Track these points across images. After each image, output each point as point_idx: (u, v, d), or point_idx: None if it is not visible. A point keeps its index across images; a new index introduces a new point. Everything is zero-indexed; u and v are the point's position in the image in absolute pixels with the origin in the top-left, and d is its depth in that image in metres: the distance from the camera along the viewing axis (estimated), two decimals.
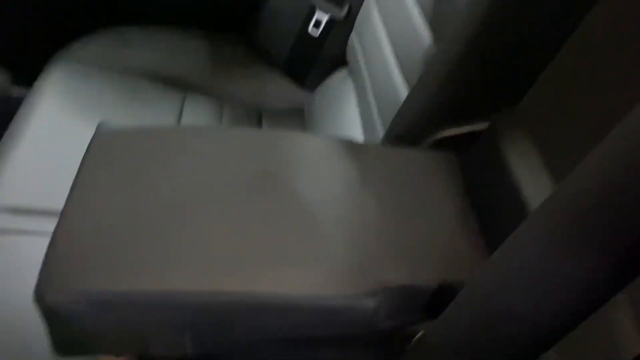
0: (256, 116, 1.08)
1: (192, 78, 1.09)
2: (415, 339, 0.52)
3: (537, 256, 0.39)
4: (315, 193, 0.55)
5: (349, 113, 0.96)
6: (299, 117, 1.09)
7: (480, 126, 0.64)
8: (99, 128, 0.59)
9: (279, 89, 1.14)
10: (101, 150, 0.57)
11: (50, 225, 0.75)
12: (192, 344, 0.51)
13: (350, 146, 0.62)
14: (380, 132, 0.79)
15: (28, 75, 1.24)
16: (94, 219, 0.50)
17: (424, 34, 0.70)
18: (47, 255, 0.47)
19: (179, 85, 1.07)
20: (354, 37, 0.98)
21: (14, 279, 0.69)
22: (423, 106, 0.66)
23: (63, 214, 0.50)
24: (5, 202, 0.78)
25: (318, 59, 1.08)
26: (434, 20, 0.69)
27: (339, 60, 1.07)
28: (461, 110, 0.65)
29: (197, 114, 1.02)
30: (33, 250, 0.72)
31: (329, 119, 0.99)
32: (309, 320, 0.49)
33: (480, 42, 0.59)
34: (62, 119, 0.92)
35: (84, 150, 0.85)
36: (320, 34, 1.02)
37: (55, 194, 0.80)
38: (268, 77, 1.15)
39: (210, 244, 0.49)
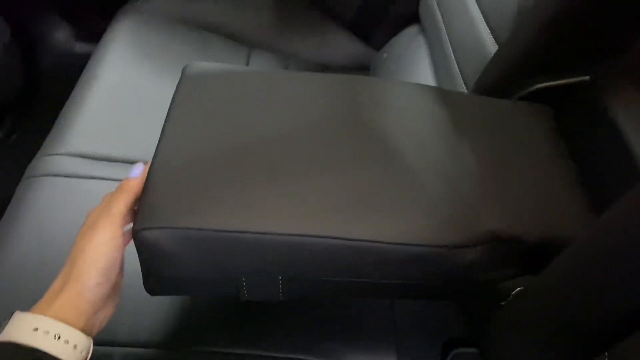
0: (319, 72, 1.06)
1: (258, 34, 1.07)
2: (513, 293, 0.50)
3: None
4: (409, 140, 0.53)
5: (420, 70, 0.93)
6: (364, 75, 1.07)
7: (577, 78, 0.61)
8: (186, 68, 0.58)
9: (344, 46, 1.11)
10: (190, 89, 0.56)
11: (121, 172, 0.77)
12: (283, 288, 0.50)
13: (442, 93, 0.59)
14: (460, 88, 0.76)
15: (90, 31, 1.25)
16: (188, 156, 0.49)
17: None
18: (144, 192, 0.47)
19: (245, 40, 1.06)
20: None
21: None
22: (516, 59, 0.63)
23: (157, 152, 0.50)
24: (79, 149, 0.79)
25: (387, 16, 1.04)
26: None
27: (409, 18, 1.03)
28: (557, 62, 0.62)
29: (263, 68, 1.00)
30: (103, 194, 0.74)
31: (398, 76, 0.97)
32: (404, 269, 0.48)
33: None
34: (131, 70, 0.92)
35: (153, 101, 0.86)
36: None
37: (125, 142, 0.82)
38: (334, 34, 1.12)
39: (306, 187, 0.48)
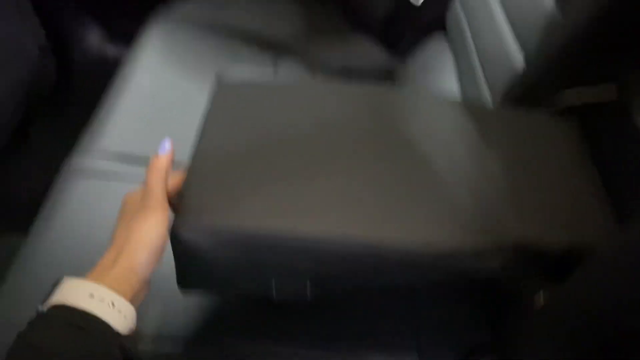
0: (347, 80, 1.07)
1: (285, 40, 1.10)
2: (536, 300, 0.51)
3: None
4: (435, 149, 0.55)
5: (445, 79, 0.94)
6: (389, 82, 1.08)
7: (604, 91, 0.62)
8: (219, 77, 0.60)
9: (370, 55, 1.13)
10: (223, 98, 0.58)
11: None
12: (311, 288, 0.52)
13: (468, 106, 0.61)
14: (487, 97, 0.77)
15: (121, 33, 1.29)
16: (224, 160, 0.52)
17: (546, 0, 0.68)
18: (182, 193, 0.49)
19: (272, 46, 1.08)
20: (456, 3, 0.96)
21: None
22: (545, 71, 0.64)
23: (195, 156, 0.52)
24: (112, 149, 0.82)
25: (414, 25, 1.06)
26: None
27: (435, 28, 1.05)
28: (586, 75, 0.63)
29: (290, 75, 1.02)
30: None
31: (423, 85, 0.98)
32: (432, 273, 0.49)
33: (610, 9, 0.57)
34: (162, 74, 0.94)
35: (184, 103, 0.88)
36: None
37: (155, 142, 0.83)
38: (359, 42, 1.13)
39: (336, 192, 0.50)
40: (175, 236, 0.47)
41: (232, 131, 0.54)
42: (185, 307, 0.65)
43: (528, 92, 0.66)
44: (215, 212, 0.47)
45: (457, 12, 0.94)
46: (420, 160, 0.54)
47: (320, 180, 0.50)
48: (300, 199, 0.49)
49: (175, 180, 0.51)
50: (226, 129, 0.55)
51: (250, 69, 1.01)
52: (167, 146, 0.50)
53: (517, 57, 0.72)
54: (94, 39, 1.30)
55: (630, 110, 0.57)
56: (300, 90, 0.62)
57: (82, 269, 0.66)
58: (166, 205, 0.47)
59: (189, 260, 0.49)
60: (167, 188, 0.49)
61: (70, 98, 1.27)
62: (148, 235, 0.45)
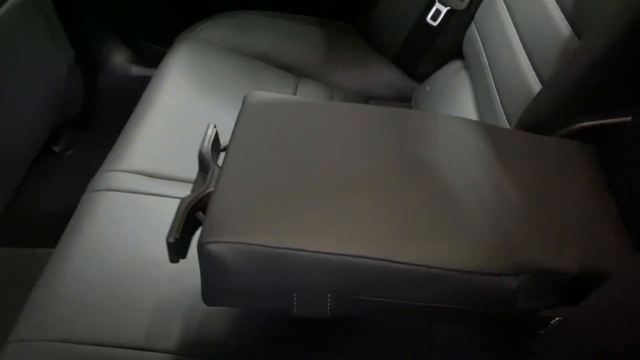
0: (364, 103, 1.10)
1: (306, 64, 1.13)
2: (552, 323, 0.52)
3: None
4: (454, 170, 0.56)
5: (463, 104, 0.96)
6: (406, 107, 1.10)
7: (619, 118, 0.63)
8: (247, 97, 0.63)
9: (388, 78, 1.15)
10: (252, 116, 0.61)
11: (177, 190, 0.81)
12: (331, 306, 0.53)
13: (486, 127, 0.63)
14: (503, 122, 0.79)
15: (147, 56, 1.33)
16: (250, 177, 0.54)
17: (562, 27, 0.70)
18: (210, 207, 0.51)
19: (293, 69, 1.11)
20: (473, 29, 0.98)
21: (143, 233, 0.75)
22: (561, 98, 0.66)
23: (223, 172, 0.54)
24: (139, 167, 0.84)
25: (431, 50, 1.08)
26: (574, 14, 0.69)
27: (452, 52, 1.07)
28: (601, 102, 0.64)
29: (310, 98, 1.05)
30: (159, 209, 0.78)
31: (441, 110, 1.00)
32: (449, 293, 0.50)
33: (631, 36, 0.59)
34: (187, 95, 0.97)
35: (207, 124, 0.91)
36: (438, 24, 1.03)
37: (180, 161, 0.87)
38: (378, 66, 1.16)
39: (359, 211, 0.51)
40: (202, 250, 0.49)
41: (259, 149, 0.57)
42: (207, 326, 0.66)
43: (544, 118, 0.67)
44: (242, 228, 0.49)
45: (474, 37, 0.96)
46: (440, 180, 0.55)
47: (344, 199, 0.52)
48: (325, 218, 0.51)
49: None
50: (253, 147, 0.57)
51: (272, 90, 1.04)
52: None
53: (533, 83, 0.73)
54: (121, 60, 1.34)
55: None
56: (326, 109, 0.64)
57: (106, 284, 0.69)
58: None
59: (215, 274, 0.51)
60: None
61: (97, 117, 1.31)
62: None
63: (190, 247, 0.55)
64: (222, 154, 0.59)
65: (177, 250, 0.53)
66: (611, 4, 0.60)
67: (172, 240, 0.52)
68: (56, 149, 1.25)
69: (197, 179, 0.60)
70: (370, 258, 0.48)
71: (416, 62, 1.11)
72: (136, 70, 1.36)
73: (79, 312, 0.66)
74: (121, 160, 0.85)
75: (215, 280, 0.52)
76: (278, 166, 0.55)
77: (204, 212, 0.54)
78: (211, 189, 0.55)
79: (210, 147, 0.60)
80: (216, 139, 0.62)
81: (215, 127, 0.63)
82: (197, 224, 0.55)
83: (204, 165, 0.60)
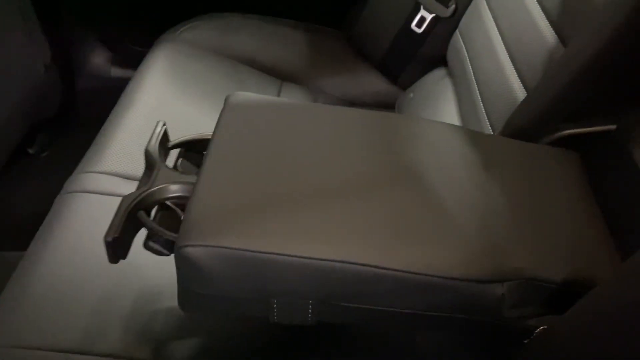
0: None
1: (289, 68, 1.12)
2: (537, 332, 0.51)
3: None
4: (441, 175, 0.55)
5: (446, 111, 0.96)
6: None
7: (603, 127, 0.63)
8: (229, 97, 0.61)
9: (371, 85, 1.15)
10: (233, 116, 0.59)
11: None
12: (313, 312, 0.52)
13: (472, 134, 0.62)
14: (487, 130, 0.79)
15: (126, 57, 1.31)
16: (230, 179, 0.52)
17: (548, 35, 0.70)
18: (188, 210, 0.49)
19: (276, 73, 1.10)
20: (457, 36, 0.98)
21: None
22: (546, 105, 0.65)
23: (202, 173, 0.52)
24: (116, 169, 0.82)
25: (416, 57, 1.08)
26: (560, 22, 0.69)
27: (436, 60, 1.07)
28: (585, 110, 0.64)
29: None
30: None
31: (424, 116, 0.99)
32: (433, 300, 0.49)
33: (616, 45, 0.59)
34: (167, 96, 0.95)
35: (188, 126, 0.89)
36: (423, 31, 1.03)
37: None
38: (362, 72, 1.16)
39: (342, 215, 0.50)
40: (179, 253, 0.47)
41: (240, 150, 0.55)
42: (182, 331, 0.64)
43: (528, 125, 0.67)
44: (221, 231, 0.47)
45: (458, 45, 0.96)
46: (427, 186, 0.54)
47: (327, 203, 0.51)
48: (307, 221, 0.49)
49: None
50: (234, 148, 0.55)
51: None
52: None
53: (517, 90, 0.73)
54: (100, 60, 1.32)
55: (628, 143, 0.58)
56: (310, 111, 0.62)
57: (82, 285, 0.67)
58: None
59: (192, 279, 0.49)
60: None
61: (74, 118, 1.28)
62: None
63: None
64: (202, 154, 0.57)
65: (115, 250, 0.51)
66: (596, 12, 0.60)
67: (109, 239, 0.50)
68: (31, 150, 1.22)
69: (142, 178, 0.58)
70: (353, 263, 0.47)
71: (400, 69, 1.11)
72: (115, 71, 1.34)
73: (49, 317, 0.64)
74: (98, 161, 0.83)
75: (192, 285, 0.50)
76: (260, 168, 0.53)
77: (146, 212, 0.53)
78: (154, 188, 0.54)
79: (157, 145, 0.58)
80: (165, 137, 0.60)
81: (164, 124, 0.61)
82: (139, 224, 0.53)
83: (149, 164, 0.58)
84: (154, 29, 1.16)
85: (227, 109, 0.60)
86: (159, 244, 0.52)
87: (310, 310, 0.51)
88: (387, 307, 0.51)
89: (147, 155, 0.58)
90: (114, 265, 0.68)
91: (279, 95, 1.06)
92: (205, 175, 0.52)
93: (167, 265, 0.51)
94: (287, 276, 0.48)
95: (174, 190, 0.55)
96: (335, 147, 0.57)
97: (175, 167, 0.59)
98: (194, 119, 0.91)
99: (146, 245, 0.53)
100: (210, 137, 0.58)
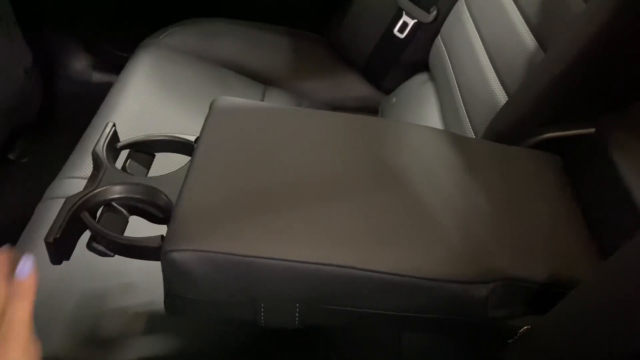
0: None
1: (273, 73, 1.12)
2: (520, 332, 0.52)
3: None
4: (424, 177, 0.56)
5: (429, 116, 0.97)
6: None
7: (583, 130, 0.65)
8: (214, 102, 0.61)
9: (355, 90, 1.16)
10: (219, 121, 0.59)
11: None
12: (300, 315, 0.52)
13: (454, 137, 0.63)
14: (469, 135, 0.80)
15: (108, 62, 1.30)
16: (216, 183, 0.52)
17: (527, 40, 0.71)
18: (174, 214, 0.49)
19: (260, 78, 1.10)
20: (439, 41, 0.99)
21: None
22: (526, 109, 0.67)
23: (188, 177, 0.52)
24: None
25: (398, 62, 1.09)
26: (539, 28, 0.70)
27: (419, 65, 1.08)
28: (565, 114, 0.66)
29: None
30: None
31: (407, 121, 1.00)
32: (418, 302, 0.50)
33: (594, 50, 0.60)
34: (150, 101, 0.95)
35: (171, 131, 0.89)
36: (405, 36, 1.04)
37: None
38: (345, 77, 1.16)
39: (328, 218, 0.50)
40: (165, 258, 0.47)
41: (226, 154, 0.55)
42: (168, 335, 0.64)
43: (509, 129, 0.68)
44: (207, 235, 0.47)
45: (440, 50, 0.98)
46: (411, 188, 0.55)
47: (313, 207, 0.51)
48: (293, 225, 0.49)
49: None
50: (220, 152, 0.55)
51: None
52: (28, 268, 0.42)
53: (498, 94, 0.75)
54: (81, 65, 1.31)
55: (606, 145, 0.59)
56: (296, 115, 0.63)
57: (64, 291, 0.66)
58: (29, 337, 0.40)
59: (178, 283, 0.49)
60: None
61: (55, 124, 1.26)
62: None
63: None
64: (181, 157, 0.57)
65: (57, 251, 0.50)
66: (575, 18, 0.62)
67: (50, 240, 0.49)
68: (11, 156, 1.20)
69: (89, 178, 0.57)
70: (340, 266, 0.47)
71: (383, 74, 1.12)
72: (97, 76, 1.33)
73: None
74: (79, 167, 0.82)
75: (179, 289, 0.49)
76: (246, 172, 0.53)
77: (91, 213, 0.52)
78: (99, 189, 0.53)
79: (105, 146, 0.58)
80: (114, 138, 0.60)
81: (114, 126, 0.60)
82: (83, 225, 0.52)
83: (96, 165, 0.57)
84: (137, 33, 1.15)
85: (213, 113, 0.60)
86: (102, 245, 0.51)
87: (297, 313, 0.52)
88: (372, 309, 0.51)
89: (94, 156, 0.57)
90: (96, 272, 0.68)
91: (263, 99, 1.06)
92: (191, 179, 0.52)
93: (152, 270, 0.51)
94: (275, 280, 0.48)
95: (119, 191, 0.54)
96: (319, 151, 0.57)
97: (123, 168, 0.59)
98: (178, 124, 0.90)
99: (89, 246, 0.52)
100: (158, 137, 0.59)
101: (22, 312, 0.40)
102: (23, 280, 0.41)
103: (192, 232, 0.48)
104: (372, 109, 1.15)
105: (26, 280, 0.41)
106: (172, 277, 0.48)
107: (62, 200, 0.75)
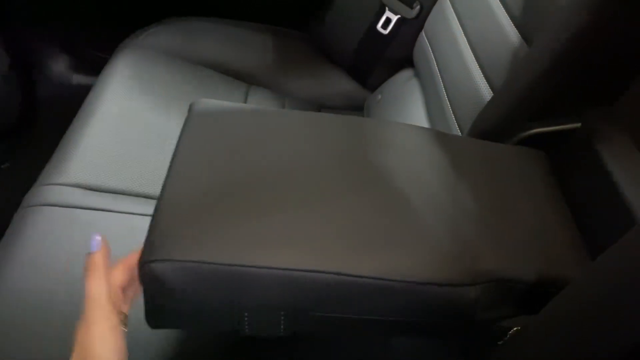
0: (316, 111, 1.08)
1: (256, 71, 1.10)
2: (510, 333, 0.51)
3: None
4: (409, 178, 0.55)
5: (414, 112, 0.96)
6: (358, 116, 1.09)
7: (569, 125, 0.64)
8: (193, 105, 0.60)
9: (340, 87, 1.14)
10: (198, 124, 0.57)
11: (118, 203, 0.77)
12: (285, 323, 0.51)
13: (439, 135, 0.62)
14: (455, 131, 0.79)
15: (88, 63, 1.27)
16: (196, 191, 0.50)
17: (512, 35, 0.70)
18: (152, 224, 0.48)
19: (243, 77, 1.08)
20: (423, 37, 0.98)
21: (83, 249, 0.70)
22: (511, 105, 0.66)
23: (166, 185, 0.51)
24: (78, 180, 0.80)
25: (383, 59, 1.08)
26: (523, 22, 0.69)
27: (403, 61, 1.07)
28: (550, 109, 0.65)
29: (260, 105, 1.03)
30: (101, 224, 0.74)
31: (392, 118, 0.99)
32: (406, 306, 0.49)
33: (578, 44, 0.59)
34: (131, 103, 0.93)
35: (152, 134, 0.87)
36: (389, 32, 1.03)
37: (123, 174, 0.82)
38: (330, 74, 1.15)
39: (312, 223, 0.49)
40: (145, 269, 0.45)
41: (205, 160, 0.53)
42: (150, 346, 0.63)
43: (495, 125, 0.67)
44: (188, 244, 0.46)
45: (424, 46, 0.97)
46: (396, 189, 0.54)
47: (297, 212, 0.50)
48: (276, 231, 0.48)
49: (118, 275, 0.47)
50: (199, 158, 0.54)
51: (221, 98, 1.01)
52: (97, 243, 0.46)
53: (483, 90, 0.74)
54: (61, 67, 1.28)
55: (592, 140, 0.59)
56: (278, 117, 0.61)
57: (44, 301, 0.64)
58: (111, 309, 0.44)
59: (159, 295, 0.47)
60: (110, 288, 0.45)
61: (36, 128, 1.24)
62: (99, 352, 0.42)
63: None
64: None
65: None
66: (558, 12, 0.61)
67: None
68: None
69: None
70: (325, 272, 0.46)
71: (368, 71, 1.11)
72: (77, 78, 1.30)
73: (6, 336, 0.62)
74: (59, 172, 0.80)
75: (160, 301, 0.48)
76: (227, 178, 0.52)
77: None
78: None
79: None
80: None
81: None
82: None
83: None
84: (117, 34, 1.13)
85: (192, 117, 0.59)
86: None
87: (282, 322, 0.50)
88: (359, 315, 0.50)
89: None
90: (75, 282, 0.66)
91: (246, 99, 1.04)
92: (171, 186, 0.51)
93: None
94: (259, 288, 0.47)
95: None
96: (302, 154, 0.56)
97: None
98: (159, 126, 0.88)
99: None
100: None
101: (96, 286, 0.44)
102: (94, 254, 0.46)
103: (173, 241, 0.46)
104: (357, 106, 1.14)
105: (96, 254, 0.46)
106: (152, 288, 0.46)
107: (41, 208, 0.75)
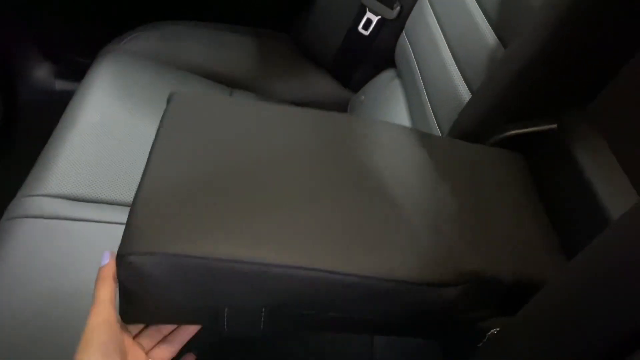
0: None
1: (239, 74, 1.10)
2: (488, 335, 0.52)
3: (627, 263, 0.38)
4: (391, 177, 0.55)
5: (396, 112, 0.96)
6: None
7: (546, 126, 0.65)
8: (172, 97, 0.59)
9: (323, 88, 1.14)
10: (176, 117, 0.56)
11: (103, 213, 0.77)
12: (265, 320, 0.50)
13: (420, 135, 0.62)
14: (435, 132, 0.79)
15: (70, 69, 1.26)
16: (175, 183, 0.49)
17: (488, 36, 0.71)
18: (130, 216, 0.47)
19: (226, 80, 1.08)
20: (404, 38, 0.99)
21: (68, 262, 0.70)
22: (489, 106, 0.66)
23: (144, 177, 0.50)
24: (60, 190, 0.79)
25: (365, 59, 1.08)
26: (500, 24, 0.70)
27: (385, 61, 1.07)
28: (527, 111, 0.65)
29: None
30: (86, 235, 0.73)
31: (375, 118, 1.00)
32: (387, 305, 0.49)
33: (553, 45, 0.60)
34: (113, 110, 0.92)
35: (135, 140, 0.86)
36: (370, 33, 1.03)
37: (107, 182, 0.82)
38: (313, 76, 1.15)
39: (293, 218, 0.48)
40: (122, 262, 0.44)
41: (184, 152, 0.52)
42: None
43: (473, 126, 0.68)
44: (166, 237, 0.45)
45: (405, 46, 0.97)
46: (378, 187, 0.53)
47: (280, 208, 0.49)
48: (257, 225, 0.47)
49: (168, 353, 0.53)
50: (178, 150, 0.52)
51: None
52: (107, 256, 0.50)
53: (462, 91, 0.74)
54: (43, 73, 1.27)
55: (568, 141, 0.60)
56: (258, 109, 0.60)
57: (27, 314, 0.64)
58: (112, 311, 0.47)
59: (136, 289, 0.46)
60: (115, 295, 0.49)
61: (17, 136, 1.23)
62: (92, 337, 0.45)
63: None
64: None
65: None
66: (533, 14, 0.61)
67: None
68: None
69: None
70: (306, 269, 0.46)
71: (351, 72, 1.11)
72: (60, 84, 1.29)
73: None
74: (41, 183, 0.79)
75: (136, 294, 0.47)
76: (207, 171, 0.50)
77: None
78: None
79: None
80: None
81: None
82: None
83: None
84: (99, 39, 1.13)
85: (171, 109, 0.57)
86: None
87: (262, 319, 0.50)
88: (340, 313, 0.50)
89: None
90: (58, 296, 0.66)
91: None
92: (149, 179, 0.49)
93: None
94: (240, 283, 0.46)
95: None
96: (285, 150, 0.55)
97: None
98: (142, 132, 0.88)
99: None
100: None
101: (105, 293, 0.48)
102: (103, 266, 0.50)
103: (150, 234, 0.45)
104: (340, 107, 1.14)
105: (104, 268, 0.50)
106: (129, 282, 0.46)
107: (23, 220, 0.75)
